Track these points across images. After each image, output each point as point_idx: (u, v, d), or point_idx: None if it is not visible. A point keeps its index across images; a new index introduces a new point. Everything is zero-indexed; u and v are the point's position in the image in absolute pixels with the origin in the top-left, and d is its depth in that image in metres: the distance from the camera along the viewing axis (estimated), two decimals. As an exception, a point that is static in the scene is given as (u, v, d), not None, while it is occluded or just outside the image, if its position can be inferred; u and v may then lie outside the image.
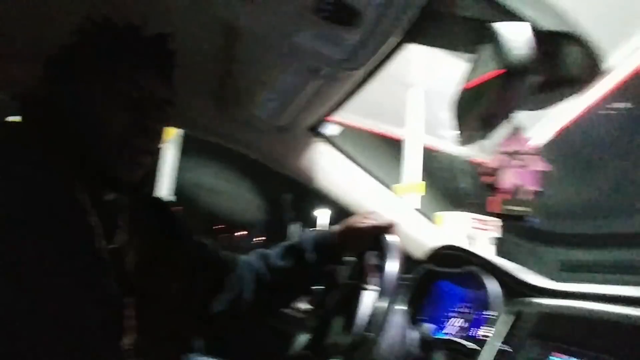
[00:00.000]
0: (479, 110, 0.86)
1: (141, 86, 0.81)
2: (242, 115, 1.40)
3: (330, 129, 1.55)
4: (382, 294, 0.93)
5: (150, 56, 0.83)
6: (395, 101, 2.50)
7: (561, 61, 0.81)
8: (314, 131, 1.50)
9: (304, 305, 1.50)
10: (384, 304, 0.91)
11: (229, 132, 1.46)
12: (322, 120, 1.47)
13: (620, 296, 0.84)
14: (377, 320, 0.90)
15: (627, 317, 0.77)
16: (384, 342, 0.98)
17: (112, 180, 0.80)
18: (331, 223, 1.70)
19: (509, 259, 1.27)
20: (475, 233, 1.97)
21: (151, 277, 0.83)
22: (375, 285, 0.98)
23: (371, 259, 1.07)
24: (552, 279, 1.16)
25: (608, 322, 0.80)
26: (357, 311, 0.94)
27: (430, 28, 0.91)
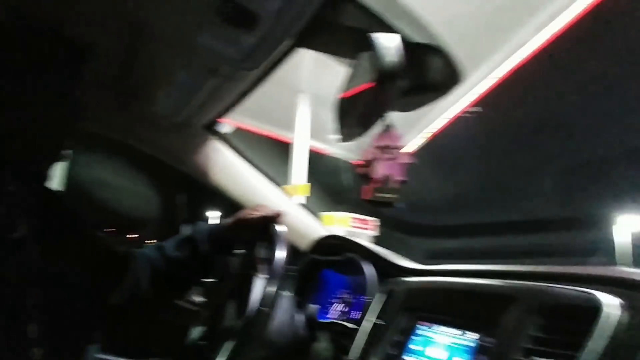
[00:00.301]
0: (356, 111, 0.95)
1: (47, 81, 0.83)
2: (141, 111, 1.39)
3: (224, 128, 1.58)
4: (271, 280, 0.98)
5: (51, 50, 0.84)
6: (285, 105, 2.59)
7: (426, 69, 0.94)
8: (210, 129, 1.53)
9: (197, 298, 1.50)
10: (273, 288, 0.97)
11: (126, 127, 1.44)
12: (217, 119, 1.50)
13: (471, 270, 1.00)
14: (267, 303, 0.95)
15: (476, 285, 0.92)
16: (274, 323, 1.04)
17: (16, 170, 0.81)
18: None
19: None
20: (356, 231, 2.13)
21: (53, 267, 0.84)
22: (264, 273, 1.03)
23: (261, 249, 1.12)
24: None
25: (462, 292, 0.94)
26: (248, 297, 0.98)
27: (320, 35, 0.99)
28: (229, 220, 1.17)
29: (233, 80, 1.19)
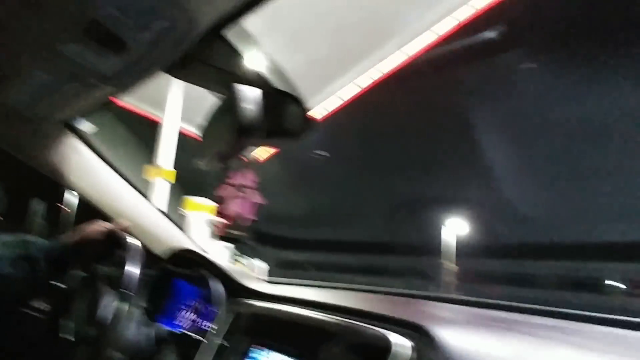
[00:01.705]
0: (217, 144, 0.96)
1: None
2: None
3: (85, 126, 1.43)
4: (118, 294, 0.96)
5: None
6: (158, 83, 2.46)
7: (283, 118, 0.98)
8: (69, 126, 1.37)
9: (44, 306, 1.38)
10: (119, 303, 0.95)
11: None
12: (77, 116, 1.35)
13: (307, 300, 1.08)
14: (110, 317, 0.94)
15: (306, 318, 1.00)
16: (117, 337, 1.01)
17: None
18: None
19: (246, 255, 1.46)
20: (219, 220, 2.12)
21: None
22: (113, 287, 1.00)
23: (109, 262, 1.07)
24: (271, 273, 1.38)
25: (293, 323, 1.02)
26: (96, 311, 0.95)
27: (191, 70, 0.96)
28: (72, 237, 1.09)
29: (97, 88, 1.10)
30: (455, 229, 10.42)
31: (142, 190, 1.61)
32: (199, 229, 4.70)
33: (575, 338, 0.87)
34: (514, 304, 1.13)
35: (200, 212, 4.80)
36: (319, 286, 1.54)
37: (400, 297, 1.35)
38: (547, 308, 1.07)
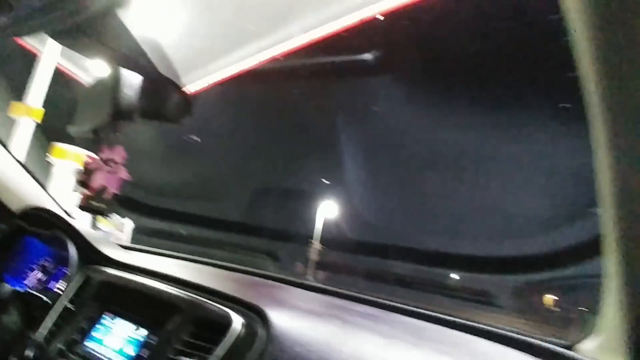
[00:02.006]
0: (92, 120, 0.96)
1: None
2: None
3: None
4: None
5: None
6: None
7: (162, 104, 1.02)
8: None
9: None
10: None
11: None
12: None
13: (162, 273, 1.15)
14: None
15: (155, 290, 1.06)
16: None
17: None
18: None
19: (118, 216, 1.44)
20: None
21: None
22: None
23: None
24: (133, 239, 1.40)
25: (143, 293, 1.08)
26: None
27: (75, 39, 0.94)
28: None
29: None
30: (320, 221, 11.19)
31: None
32: (65, 180, 4.32)
33: (384, 326, 1.06)
34: (348, 292, 1.32)
35: (69, 161, 4.40)
36: (177, 257, 1.60)
37: (253, 277, 1.47)
38: (374, 298, 1.26)
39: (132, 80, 0.89)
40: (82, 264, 1.21)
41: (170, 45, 1.04)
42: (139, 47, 0.97)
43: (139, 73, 0.91)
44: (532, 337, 1.07)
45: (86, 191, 0.95)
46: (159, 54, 1.02)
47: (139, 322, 1.02)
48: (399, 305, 1.23)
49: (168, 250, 1.63)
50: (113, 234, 3.79)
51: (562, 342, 1.10)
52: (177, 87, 1.04)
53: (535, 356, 0.99)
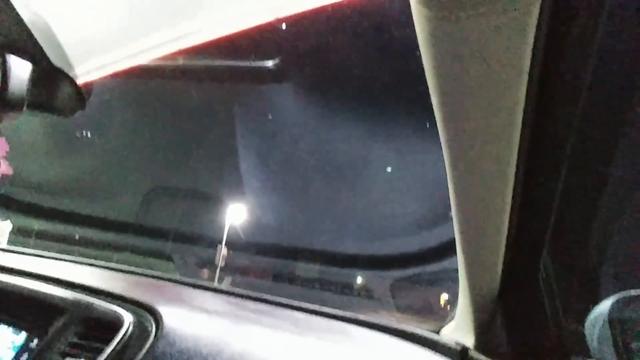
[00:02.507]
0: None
1: None
2: None
3: None
4: None
5: None
6: None
7: (53, 96, 0.97)
8: None
9: None
10: None
11: None
12: None
13: (47, 276, 1.07)
14: None
15: (36, 292, 1.00)
16: None
17: None
18: None
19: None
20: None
21: None
22: None
23: None
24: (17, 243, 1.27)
25: (22, 295, 1.01)
26: None
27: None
28: None
29: None
30: (227, 225, 11.06)
31: None
32: None
33: (272, 320, 1.12)
34: (242, 291, 1.36)
35: None
36: (64, 260, 1.49)
37: (147, 278, 1.44)
38: (265, 297, 1.32)
39: (19, 68, 0.83)
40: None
41: (63, 33, 0.99)
42: (29, 33, 0.91)
43: (27, 61, 0.86)
44: (404, 325, 1.23)
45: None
46: (50, 41, 0.96)
47: (18, 326, 0.95)
48: (287, 302, 1.31)
49: (57, 253, 1.51)
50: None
51: (429, 328, 1.28)
52: (69, 78, 0.99)
53: (406, 340, 1.13)
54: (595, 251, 0.85)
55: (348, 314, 1.25)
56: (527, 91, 0.47)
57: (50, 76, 0.94)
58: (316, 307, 1.29)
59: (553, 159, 0.59)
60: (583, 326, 0.83)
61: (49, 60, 0.95)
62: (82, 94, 1.04)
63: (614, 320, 0.66)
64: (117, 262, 1.56)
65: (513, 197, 0.62)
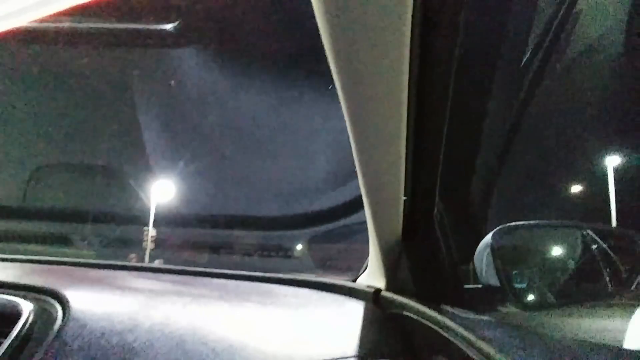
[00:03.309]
0: None
1: None
2: None
3: None
4: None
5: None
6: None
7: None
8: None
9: None
10: None
11: None
12: None
13: None
14: None
15: None
16: None
17: None
18: None
19: None
20: None
21: None
22: None
23: None
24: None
25: None
26: None
27: None
28: None
29: None
30: (155, 198, 10.50)
31: None
32: None
33: (194, 289, 1.11)
34: (162, 266, 1.33)
35: None
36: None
37: (53, 265, 1.33)
38: (188, 268, 1.30)
39: None
40: None
41: None
42: None
43: None
44: (322, 279, 1.29)
45: None
46: None
47: None
48: (207, 270, 1.30)
49: None
50: None
51: (347, 278, 1.36)
52: None
53: (324, 291, 1.19)
54: (481, 191, 0.95)
55: (269, 275, 1.28)
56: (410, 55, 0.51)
57: None
58: (237, 272, 1.31)
59: (437, 108, 0.65)
60: (473, 259, 0.95)
61: None
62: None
63: (495, 250, 0.76)
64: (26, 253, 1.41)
65: (406, 149, 0.67)
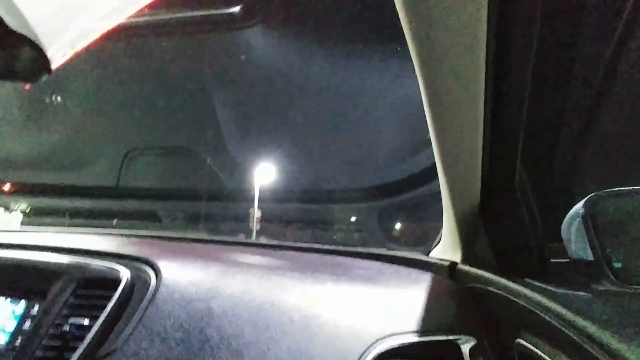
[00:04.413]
0: None
1: None
2: None
3: None
4: None
5: None
6: None
7: (13, 57, 0.91)
8: None
9: None
10: None
11: None
12: None
13: (30, 244, 1.07)
14: None
15: (27, 260, 1.00)
16: None
17: None
18: None
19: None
20: None
21: None
22: None
23: None
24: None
25: (13, 265, 1.00)
26: None
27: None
28: None
29: None
30: (258, 177, 11.08)
31: None
32: None
33: (275, 261, 1.14)
34: (245, 240, 1.39)
35: None
36: (52, 232, 1.49)
37: (144, 238, 1.45)
38: (268, 242, 1.36)
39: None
40: None
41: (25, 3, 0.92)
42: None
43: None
44: (396, 251, 1.27)
45: None
46: (5, 4, 0.89)
47: (16, 296, 0.96)
48: (282, 243, 1.35)
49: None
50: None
51: (420, 250, 1.32)
52: (29, 42, 0.93)
53: (398, 264, 1.18)
54: (569, 155, 0.86)
55: (342, 248, 1.29)
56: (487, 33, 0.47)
57: (8, 41, 0.88)
58: (311, 245, 1.33)
59: (520, 68, 0.58)
60: (559, 230, 0.86)
61: (6, 25, 0.89)
62: (45, 57, 0.98)
63: (587, 220, 0.68)
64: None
65: (485, 111, 0.61)
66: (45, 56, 1.02)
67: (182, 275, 0.91)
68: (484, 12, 0.46)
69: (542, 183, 0.86)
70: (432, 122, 0.69)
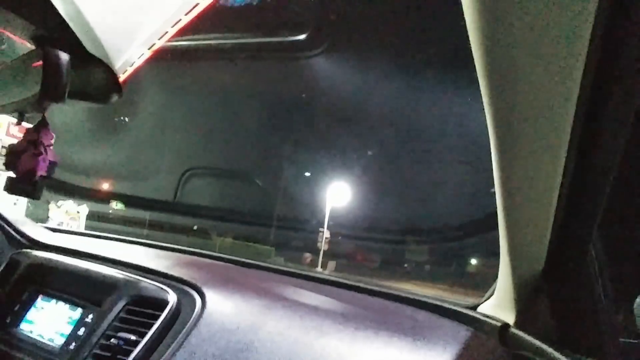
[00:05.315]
0: (15, 97, 0.91)
1: None
2: None
3: None
4: None
5: None
6: None
7: (88, 79, 0.98)
8: None
9: None
10: None
11: None
12: None
13: (91, 253, 1.12)
14: None
15: (89, 271, 1.04)
16: None
17: None
18: None
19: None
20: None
21: None
22: None
23: None
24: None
25: (75, 274, 1.06)
26: None
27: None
28: None
29: None
30: (328, 206, 11.25)
31: None
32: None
33: (321, 298, 1.12)
34: (295, 270, 1.37)
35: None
36: (117, 240, 1.55)
37: (193, 257, 1.47)
38: (315, 274, 1.33)
39: (58, 59, 0.84)
40: (9, 247, 1.15)
41: (97, 22, 0.99)
42: (65, 24, 0.92)
43: (65, 51, 0.87)
44: (442, 300, 1.20)
45: (12, 174, 0.89)
46: (85, 31, 0.97)
47: (74, 303, 1.00)
48: (331, 278, 1.31)
49: (128, 236, 1.58)
50: (65, 222, 3.52)
51: (467, 303, 1.25)
52: (105, 67, 1.00)
53: (445, 317, 1.11)
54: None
55: (389, 291, 1.23)
56: (581, 84, 0.42)
57: (87, 65, 0.95)
58: (358, 283, 1.29)
59: (608, 141, 0.53)
60: (632, 308, 0.78)
61: (86, 50, 0.96)
62: (118, 82, 1.05)
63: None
64: (219, 247, 1.58)
65: (564, 174, 0.56)
66: (118, 80, 1.09)
67: (226, 304, 0.91)
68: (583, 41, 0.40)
69: (617, 256, 0.78)
70: (500, 175, 0.64)
